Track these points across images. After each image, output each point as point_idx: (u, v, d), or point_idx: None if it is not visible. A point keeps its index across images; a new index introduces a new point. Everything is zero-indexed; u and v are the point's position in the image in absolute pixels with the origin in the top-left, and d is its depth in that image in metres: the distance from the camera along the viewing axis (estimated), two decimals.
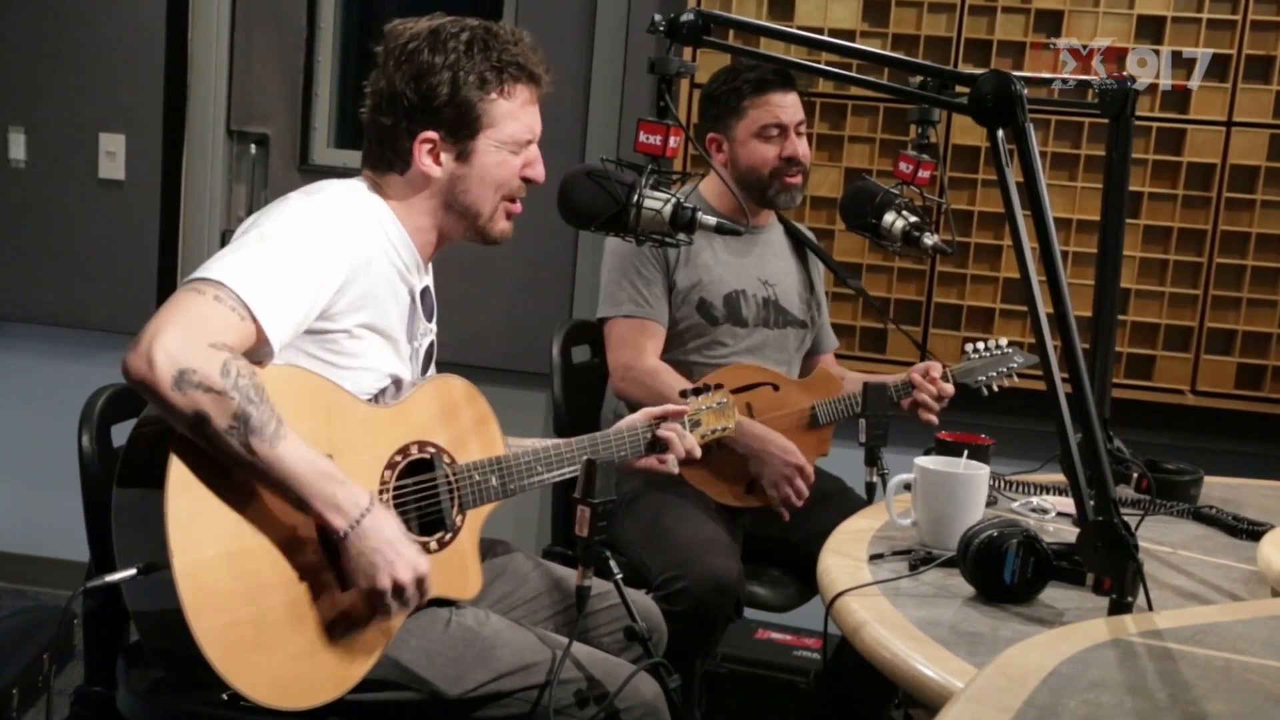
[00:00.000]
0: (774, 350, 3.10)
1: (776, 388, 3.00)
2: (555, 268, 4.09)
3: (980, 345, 3.11)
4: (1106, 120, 2.36)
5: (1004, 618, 1.78)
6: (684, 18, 2.14)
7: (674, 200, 2.09)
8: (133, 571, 1.78)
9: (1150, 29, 3.57)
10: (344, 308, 2.00)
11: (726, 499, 2.94)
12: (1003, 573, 1.81)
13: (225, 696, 1.82)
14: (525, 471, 2.18)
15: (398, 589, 1.89)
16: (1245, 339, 3.64)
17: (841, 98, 3.73)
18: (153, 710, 2.02)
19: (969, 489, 2.07)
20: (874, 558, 2.02)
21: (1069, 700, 1.17)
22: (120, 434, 2.00)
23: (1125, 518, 1.66)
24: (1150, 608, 1.71)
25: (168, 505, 1.76)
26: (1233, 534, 2.30)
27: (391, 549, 1.88)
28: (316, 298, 1.94)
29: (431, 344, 2.29)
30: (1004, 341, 3.16)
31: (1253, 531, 2.27)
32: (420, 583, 1.92)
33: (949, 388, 3.00)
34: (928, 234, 2.69)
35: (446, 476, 2.09)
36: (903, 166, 2.71)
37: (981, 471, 2.11)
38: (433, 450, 2.09)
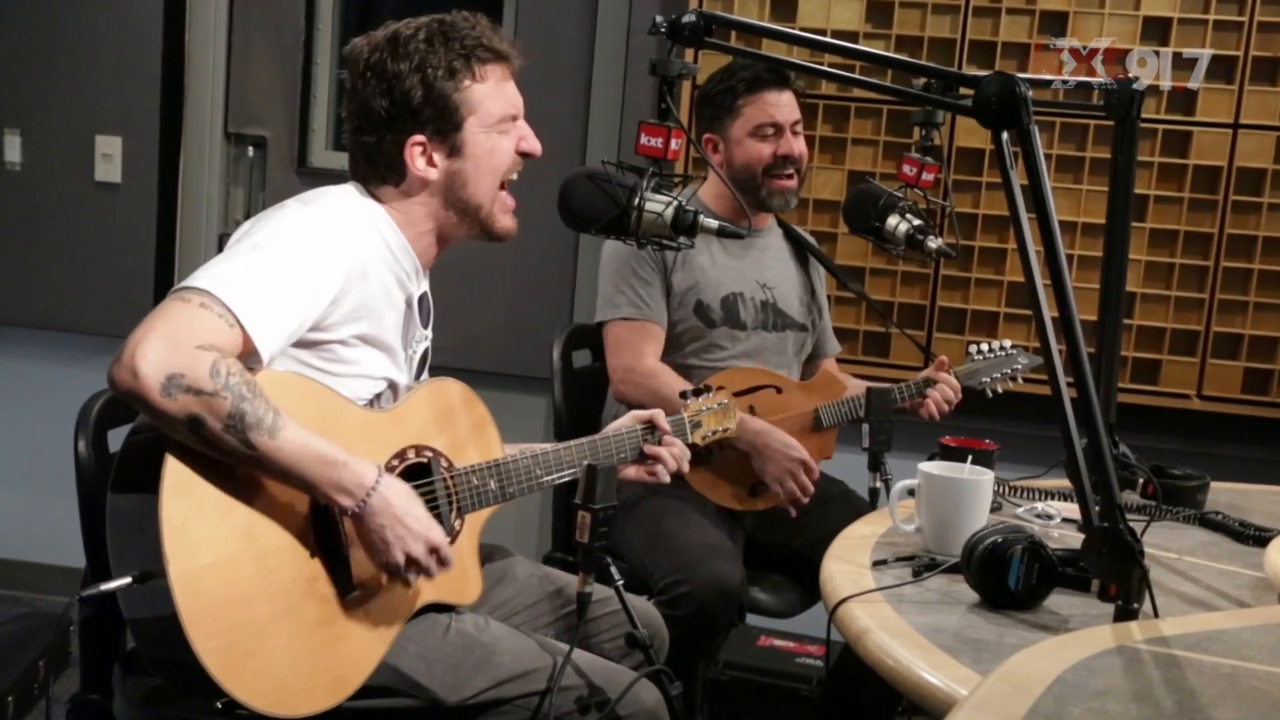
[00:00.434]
0: (773, 353, 3.09)
1: (779, 390, 2.99)
2: (556, 271, 4.08)
3: (984, 347, 3.12)
4: (1112, 122, 2.35)
5: (1008, 624, 1.77)
6: (685, 19, 2.13)
7: (675, 203, 2.08)
8: (128, 580, 1.77)
9: (1156, 30, 3.56)
10: (339, 319, 1.99)
11: (729, 502, 2.93)
12: (1007, 579, 1.80)
13: (220, 705, 1.81)
14: (524, 474, 2.17)
15: (412, 562, 1.90)
16: (1252, 343, 3.63)
17: (844, 100, 3.72)
18: (149, 718, 2.01)
19: (973, 495, 2.06)
20: (877, 564, 2.01)
21: (1074, 708, 1.16)
22: (116, 439, 1.99)
23: (1131, 523, 1.65)
24: (1156, 614, 1.69)
25: (163, 512, 1.74)
26: (1239, 540, 2.29)
27: (401, 524, 1.89)
28: (310, 310, 1.93)
29: (426, 350, 2.28)
30: (1008, 343, 3.16)
31: (1259, 537, 2.26)
32: (435, 552, 1.93)
33: (956, 382, 3.00)
34: (931, 237, 2.68)
35: (444, 480, 2.08)
36: (906, 169, 2.69)
37: (986, 477, 2.10)
38: (430, 454, 2.08)
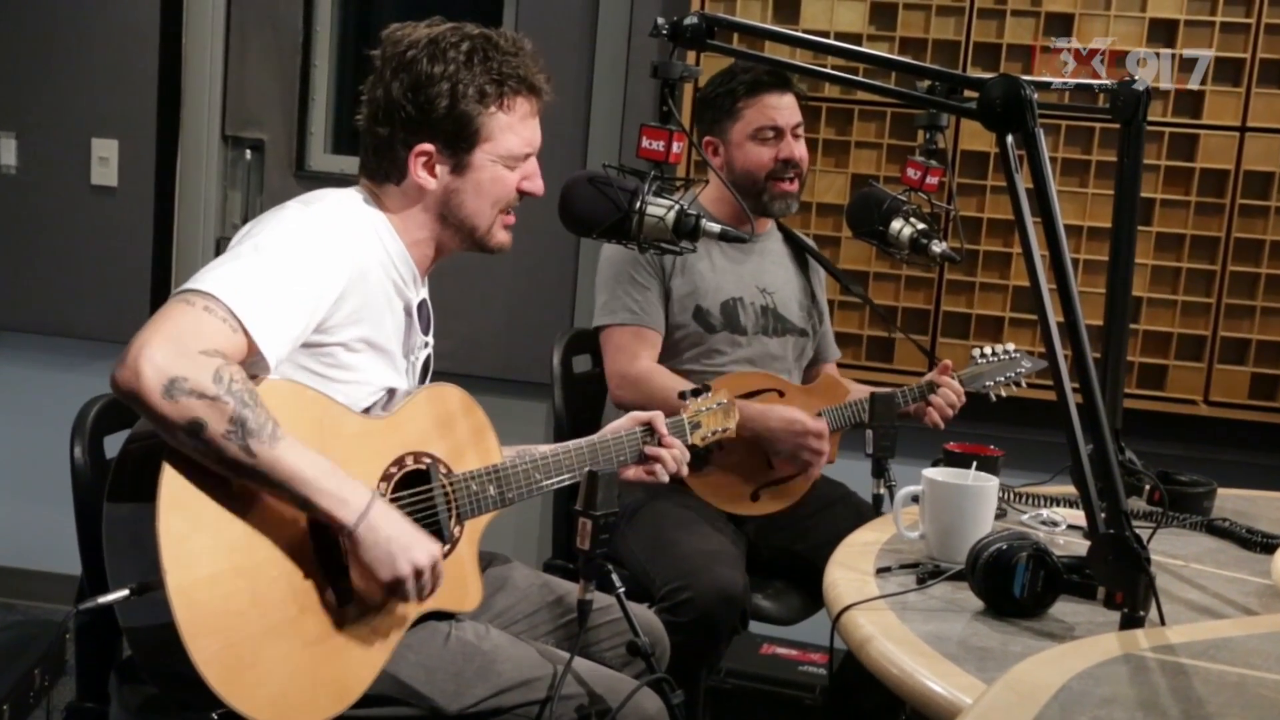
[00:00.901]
0: (773, 359, 3.08)
1: (781, 394, 2.98)
2: (556, 276, 4.07)
3: (988, 350, 3.11)
4: (1118, 125, 2.34)
5: (1013, 632, 1.76)
6: (687, 21, 2.12)
7: (677, 207, 2.07)
8: (125, 592, 1.76)
9: (1162, 32, 3.54)
10: (340, 321, 1.98)
11: (731, 507, 2.92)
12: (1012, 586, 1.80)
13: (216, 716, 1.80)
14: (523, 479, 2.15)
15: (417, 573, 1.89)
16: (1259, 348, 3.61)
17: (848, 102, 3.70)
18: None
19: (978, 501, 2.06)
20: (881, 571, 2.01)
21: (1080, 717, 1.16)
22: (113, 445, 1.97)
23: (1137, 530, 1.65)
24: (1162, 622, 1.68)
25: (160, 522, 1.73)
26: (1247, 547, 2.28)
27: (403, 536, 1.88)
28: (314, 311, 1.93)
29: (428, 358, 2.27)
30: (1011, 347, 3.15)
31: (1267, 544, 2.25)
32: (434, 566, 1.92)
33: (960, 386, 2.99)
34: (936, 241, 2.67)
35: (443, 487, 2.06)
36: (910, 173, 2.68)
37: (990, 483, 2.10)
38: (429, 461, 2.07)
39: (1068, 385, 1.69)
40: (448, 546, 2.06)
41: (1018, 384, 3.11)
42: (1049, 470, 2.61)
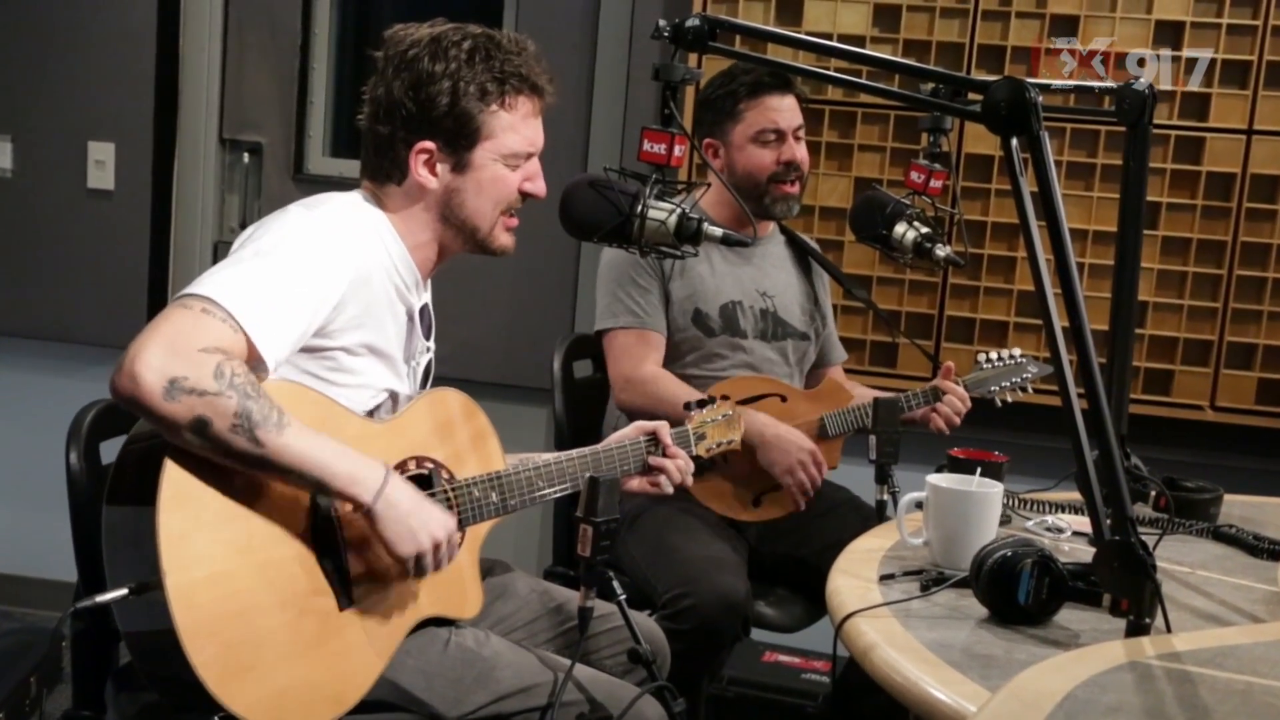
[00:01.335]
0: (773, 363, 3.07)
1: (784, 399, 2.97)
2: (557, 280, 4.07)
3: (993, 355, 3.10)
4: (1124, 128, 2.33)
5: (1018, 640, 1.76)
6: (689, 23, 2.12)
7: (679, 211, 2.07)
8: (124, 591, 1.76)
9: (1168, 34, 3.53)
10: (342, 325, 1.98)
11: (733, 513, 2.92)
12: (1017, 593, 1.79)
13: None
14: (525, 487, 2.15)
15: (435, 547, 1.91)
16: (1266, 353, 3.60)
17: (851, 105, 3.69)
18: None
19: (982, 507, 2.06)
20: (884, 578, 2.00)
21: None
22: (109, 451, 1.97)
23: (1143, 537, 1.65)
24: (1168, 629, 1.69)
25: (159, 524, 1.73)
26: (1253, 554, 2.27)
27: (420, 511, 1.90)
28: (314, 315, 1.92)
29: (430, 363, 2.27)
30: (1017, 352, 3.14)
31: (1274, 551, 2.24)
32: (451, 539, 1.94)
33: (964, 392, 2.99)
34: (940, 245, 2.66)
35: (445, 492, 2.05)
36: (914, 176, 2.67)
37: (995, 489, 2.09)
38: (431, 466, 2.06)
39: (1073, 390, 1.68)
40: None
41: (1023, 389, 3.10)
42: (1054, 476, 2.59)
